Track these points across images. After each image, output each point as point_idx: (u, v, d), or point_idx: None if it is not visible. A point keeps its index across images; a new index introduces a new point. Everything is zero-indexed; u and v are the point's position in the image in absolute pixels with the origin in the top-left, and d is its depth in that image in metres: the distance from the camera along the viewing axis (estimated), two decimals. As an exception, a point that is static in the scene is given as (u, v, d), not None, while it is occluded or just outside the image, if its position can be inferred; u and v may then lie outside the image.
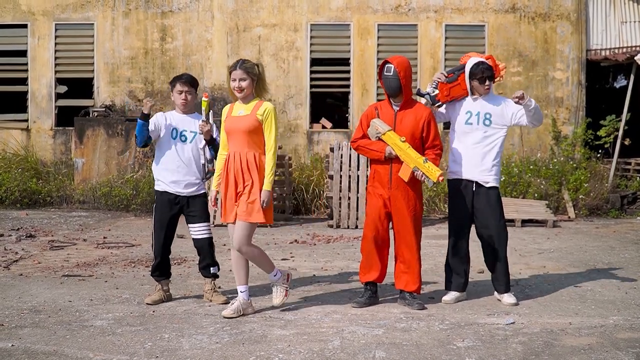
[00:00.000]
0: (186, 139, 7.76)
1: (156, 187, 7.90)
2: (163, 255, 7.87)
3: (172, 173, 7.71)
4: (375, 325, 6.93)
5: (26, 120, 18.41)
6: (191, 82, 7.82)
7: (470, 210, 7.92)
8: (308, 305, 7.76)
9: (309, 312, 7.44)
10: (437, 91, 8.02)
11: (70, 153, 17.73)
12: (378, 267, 7.71)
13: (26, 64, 18.40)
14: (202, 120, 7.64)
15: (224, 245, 11.55)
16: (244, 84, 7.28)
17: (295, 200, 15.62)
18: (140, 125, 7.60)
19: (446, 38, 17.78)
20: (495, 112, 7.86)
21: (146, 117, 7.59)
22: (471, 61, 7.94)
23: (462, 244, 8.01)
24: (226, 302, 7.74)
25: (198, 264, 8.04)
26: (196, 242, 7.89)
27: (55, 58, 18.32)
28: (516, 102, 7.67)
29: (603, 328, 6.89)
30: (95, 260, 10.22)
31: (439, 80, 8.01)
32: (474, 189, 7.87)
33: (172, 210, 7.81)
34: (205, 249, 7.86)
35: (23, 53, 18.44)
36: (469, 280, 8.52)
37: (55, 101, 18.33)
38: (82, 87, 18.52)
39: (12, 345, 6.19)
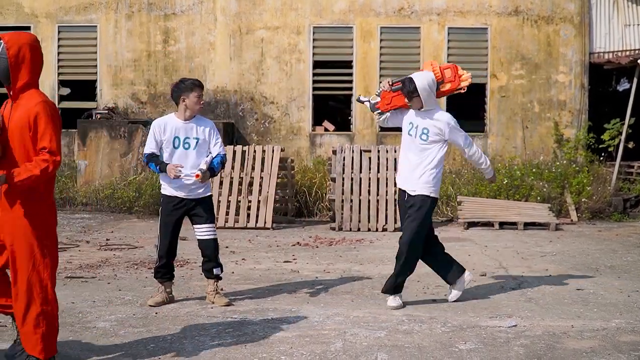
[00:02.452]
0: (189, 146, 7.78)
1: (162, 191, 7.95)
2: (167, 258, 7.89)
3: (177, 179, 7.70)
4: (378, 328, 6.94)
5: (29, 122, 18.39)
6: (202, 86, 7.94)
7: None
8: (310, 307, 7.77)
9: (311, 314, 7.46)
10: (378, 99, 8.05)
11: (73, 155, 17.74)
12: None
13: (29, 66, 18.38)
14: (201, 171, 7.63)
15: (227, 247, 11.57)
16: None
17: (297, 203, 15.62)
18: (152, 168, 7.81)
19: (449, 41, 17.77)
20: (432, 129, 7.86)
21: (162, 170, 7.68)
22: (414, 74, 7.97)
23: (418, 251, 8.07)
24: (228, 304, 7.76)
25: (202, 265, 8.06)
26: (201, 242, 7.89)
27: (58, 60, 18.34)
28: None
29: (605, 331, 6.89)
30: (98, 262, 10.24)
31: (383, 88, 8.06)
32: (404, 196, 7.98)
33: (178, 213, 7.85)
34: (210, 250, 7.88)
35: (26, 55, 18.42)
36: (472, 282, 8.56)
37: (58, 103, 18.33)
38: (85, 89, 18.53)
39: (15, 347, 6.20)
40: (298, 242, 12.21)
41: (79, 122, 16.96)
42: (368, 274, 9.57)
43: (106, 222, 14.55)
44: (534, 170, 16.18)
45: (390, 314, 7.48)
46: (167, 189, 7.84)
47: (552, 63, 17.67)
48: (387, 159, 14.32)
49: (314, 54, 17.90)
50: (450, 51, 17.73)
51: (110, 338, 6.54)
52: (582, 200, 15.60)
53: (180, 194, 7.77)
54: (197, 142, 7.79)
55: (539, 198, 15.45)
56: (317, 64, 17.88)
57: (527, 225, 14.21)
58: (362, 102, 8.26)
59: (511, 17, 17.69)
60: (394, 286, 7.90)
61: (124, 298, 8.12)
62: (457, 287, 8.14)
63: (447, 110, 17.47)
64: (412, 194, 7.88)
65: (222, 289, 8.19)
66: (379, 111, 8.10)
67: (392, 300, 7.85)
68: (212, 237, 7.88)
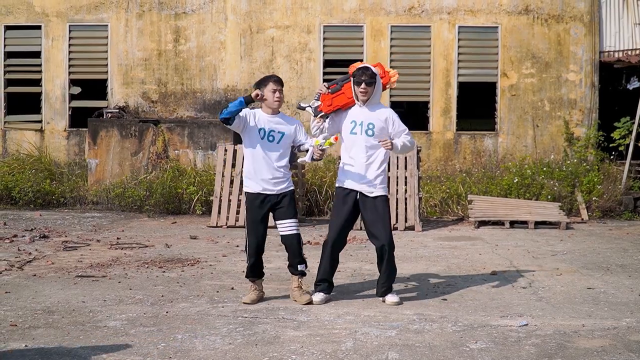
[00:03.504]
0: (273, 139, 7.91)
1: (245, 189, 8.03)
2: (257, 256, 7.94)
3: (261, 173, 7.85)
4: (388, 327, 6.94)
5: (40, 121, 18.49)
6: (281, 82, 8.03)
7: (348, 219, 8.00)
8: (321, 306, 7.78)
9: (321, 313, 7.46)
10: (318, 103, 8.04)
11: (83, 154, 17.80)
12: None
13: (40, 65, 18.48)
14: (321, 150, 7.79)
15: (237, 246, 11.58)
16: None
17: (308, 202, 15.62)
18: (238, 103, 7.72)
19: (459, 40, 17.76)
20: (377, 123, 7.89)
21: (249, 102, 7.74)
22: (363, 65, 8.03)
23: (336, 249, 8.07)
24: (310, 302, 7.80)
25: (287, 260, 8.09)
26: (284, 238, 7.96)
27: (69, 59, 18.40)
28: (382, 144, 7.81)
29: (616, 330, 6.88)
30: (109, 261, 10.25)
31: (321, 91, 8.06)
32: (357, 197, 7.93)
33: (263, 210, 7.93)
34: (294, 246, 7.94)
35: (37, 54, 18.53)
36: (483, 282, 8.54)
37: (69, 102, 18.41)
38: (95, 88, 18.59)
39: (26, 346, 6.22)
40: (309, 241, 12.20)
41: (89, 121, 17.01)
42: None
43: (117, 221, 14.59)
44: (544, 169, 16.15)
45: (401, 313, 7.47)
46: (250, 186, 7.94)
47: (562, 62, 17.63)
48: (397, 158, 14.29)
49: (324, 52, 17.91)
50: (460, 50, 17.71)
51: (120, 337, 6.55)
52: (593, 199, 15.57)
53: (264, 190, 7.87)
54: (281, 137, 7.94)
55: (549, 197, 15.43)
56: (327, 63, 17.88)
57: (538, 224, 14.18)
58: (304, 109, 8.25)
59: (521, 15, 17.66)
60: (391, 287, 8.01)
61: (134, 297, 8.14)
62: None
63: (458, 109, 17.60)
64: (370, 195, 7.89)
65: (308, 287, 8.21)
66: (322, 114, 8.06)
67: (394, 297, 7.90)
68: (295, 232, 7.93)
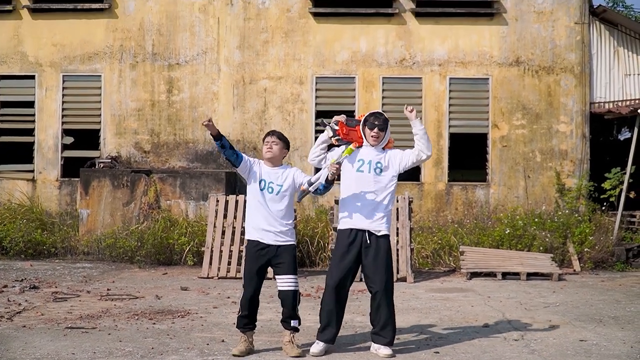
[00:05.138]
0: (272, 190, 8.01)
1: (247, 237, 8.11)
2: (250, 307, 7.94)
3: (260, 222, 7.94)
4: (380, 381, 6.88)
5: (32, 171, 18.48)
6: (279, 136, 8.15)
7: (355, 263, 7.97)
8: (314, 358, 7.73)
9: (312, 366, 7.41)
10: (337, 127, 8.16)
11: (75, 204, 17.77)
12: None
13: (33, 115, 18.51)
14: (338, 163, 7.87)
15: (228, 297, 11.53)
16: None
17: (299, 253, 15.57)
18: (218, 148, 7.91)
19: (450, 91, 17.88)
20: (384, 161, 8.04)
21: (217, 137, 7.84)
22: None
23: (342, 296, 8.03)
24: (300, 355, 7.76)
25: (281, 314, 8.08)
26: (281, 293, 8.00)
27: (63, 109, 18.44)
28: (410, 112, 8.10)
29: (609, 384, 6.84)
30: (99, 313, 10.20)
31: (340, 119, 8.16)
32: (364, 238, 7.92)
33: (261, 261, 7.98)
34: (289, 302, 7.95)
35: (30, 104, 18.57)
36: (475, 334, 8.50)
37: (62, 152, 18.42)
38: (88, 138, 18.61)
39: (14, 400, 6.16)
40: (300, 293, 12.14)
41: (81, 171, 17.02)
42: (370, 326, 9.50)
43: (107, 271, 14.52)
44: (536, 219, 16.17)
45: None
46: (252, 234, 8.00)
47: (553, 113, 17.74)
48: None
49: (316, 103, 18.00)
50: (451, 101, 17.82)
51: (110, 390, 6.50)
52: (585, 250, 15.58)
53: (262, 239, 7.92)
54: (279, 189, 8.04)
55: (541, 248, 15.43)
56: (319, 114, 17.95)
57: (530, 275, 14.16)
58: (325, 125, 8.29)
59: (512, 67, 17.81)
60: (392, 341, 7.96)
61: (124, 349, 8.08)
62: None
63: (450, 160, 17.65)
64: (378, 234, 7.92)
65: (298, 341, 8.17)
66: (338, 137, 8.13)
67: (387, 349, 7.86)
68: (292, 288, 7.96)
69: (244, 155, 8.09)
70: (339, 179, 8.02)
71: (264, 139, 8.19)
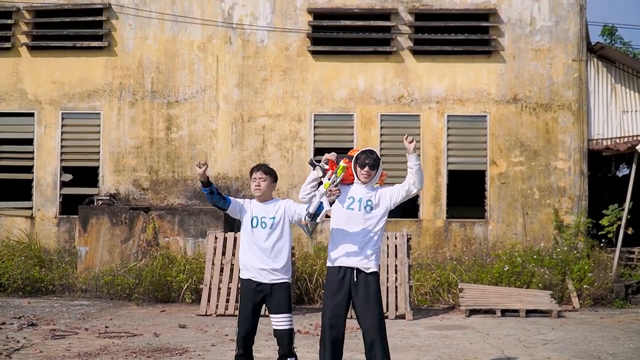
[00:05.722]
0: (265, 225, 7.92)
1: (241, 275, 8.00)
2: (245, 347, 7.87)
3: (253, 261, 7.84)
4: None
5: (31, 208, 18.50)
6: (266, 170, 8.08)
7: (346, 299, 7.88)
8: (310, 397, 7.71)
9: (311, 404, 7.38)
10: (327, 166, 8.13)
11: (74, 241, 17.75)
12: None
13: (32, 152, 18.57)
14: (335, 185, 7.72)
15: (226, 335, 11.48)
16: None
17: (298, 290, 15.54)
18: (206, 195, 7.82)
19: (448, 128, 17.95)
20: (374, 199, 7.95)
21: (206, 184, 7.78)
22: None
23: (340, 334, 7.91)
24: None
25: (277, 352, 7.99)
26: (276, 332, 7.89)
27: (62, 146, 18.50)
28: (410, 142, 8.01)
29: (609, 422, 6.81)
30: (97, 350, 10.15)
31: (330, 158, 8.13)
32: (352, 275, 7.84)
33: (255, 299, 7.85)
34: (284, 340, 7.86)
35: (29, 141, 18.64)
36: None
37: (60, 189, 18.44)
38: (87, 175, 18.65)
39: None
40: (298, 330, 12.11)
41: (80, 208, 17.03)
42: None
43: (105, 309, 14.48)
44: (535, 256, 16.16)
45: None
46: (244, 272, 7.91)
47: (551, 150, 17.81)
48: (387, 245, 14.29)
49: (315, 140, 18.07)
50: (449, 138, 17.90)
51: None
52: (584, 286, 15.56)
53: (256, 277, 7.82)
54: (272, 222, 7.94)
55: (540, 285, 15.40)
56: (318, 151, 18.00)
57: (529, 312, 14.13)
58: (315, 165, 8.20)
59: (510, 104, 17.90)
60: None
61: (122, 388, 8.04)
62: None
63: (448, 196, 17.67)
64: (367, 272, 7.83)
65: None
66: (334, 179, 8.07)
67: None
68: (287, 327, 7.86)
69: (231, 198, 7.99)
70: (328, 217, 7.97)
71: (250, 174, 8.08)
